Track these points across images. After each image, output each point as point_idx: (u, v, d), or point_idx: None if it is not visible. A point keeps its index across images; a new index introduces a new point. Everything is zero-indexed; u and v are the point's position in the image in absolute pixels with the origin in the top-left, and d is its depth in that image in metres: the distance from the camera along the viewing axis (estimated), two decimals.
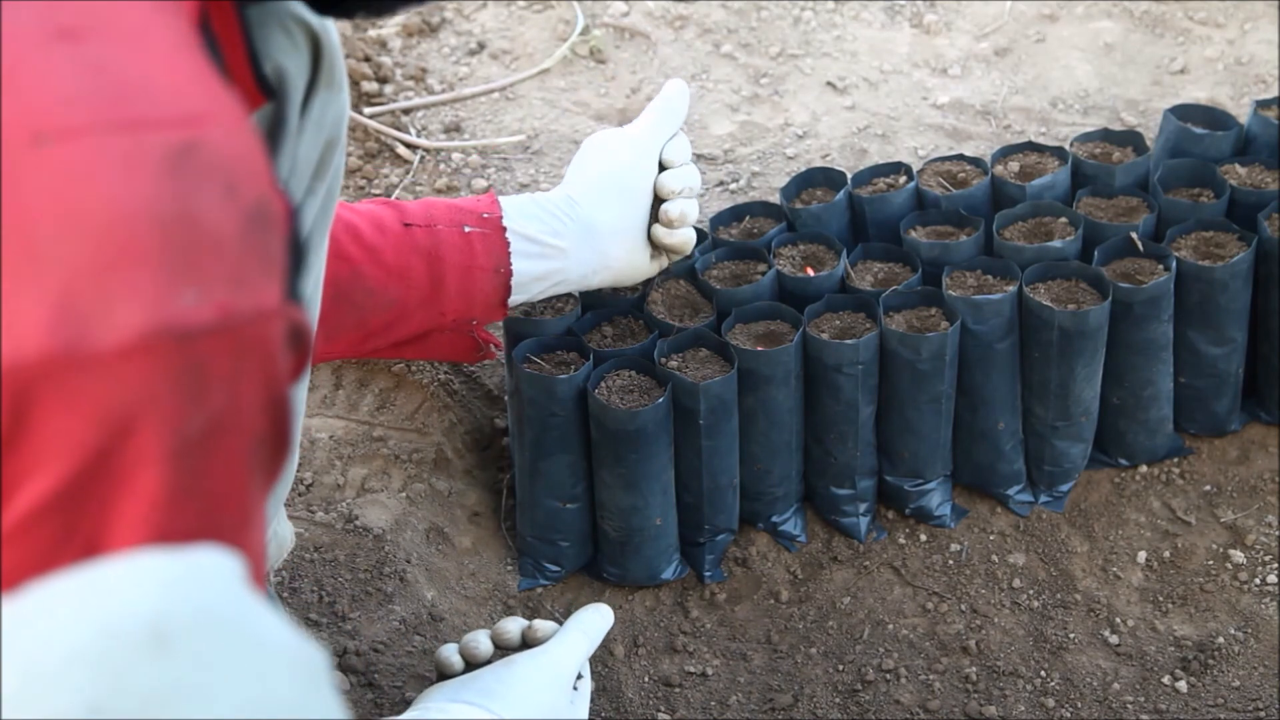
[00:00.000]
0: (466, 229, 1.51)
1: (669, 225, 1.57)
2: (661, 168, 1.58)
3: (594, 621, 1.42)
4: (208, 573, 0.72)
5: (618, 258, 1.57)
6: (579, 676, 1.38)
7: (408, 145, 2.00)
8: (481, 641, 1.37)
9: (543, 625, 1.39)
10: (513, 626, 1.39)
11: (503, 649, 1.39)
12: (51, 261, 0.72)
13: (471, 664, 1.37)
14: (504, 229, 1.52)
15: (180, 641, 0.69)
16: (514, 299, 1.54)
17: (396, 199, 1.81)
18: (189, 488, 0.74)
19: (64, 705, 0.67)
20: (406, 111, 2.06)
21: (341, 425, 1.72)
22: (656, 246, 1.60)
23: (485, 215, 1.53)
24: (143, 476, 0.73)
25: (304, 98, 1.09)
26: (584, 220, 1.55)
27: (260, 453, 0.78)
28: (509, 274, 1.52)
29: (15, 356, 0.71)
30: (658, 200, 1.58)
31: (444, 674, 1.37)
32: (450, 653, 1.37)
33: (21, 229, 0.72)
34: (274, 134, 1.07)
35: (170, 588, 0.70)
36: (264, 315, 0.75)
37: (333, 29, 1.10)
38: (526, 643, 1.39)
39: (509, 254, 1.52)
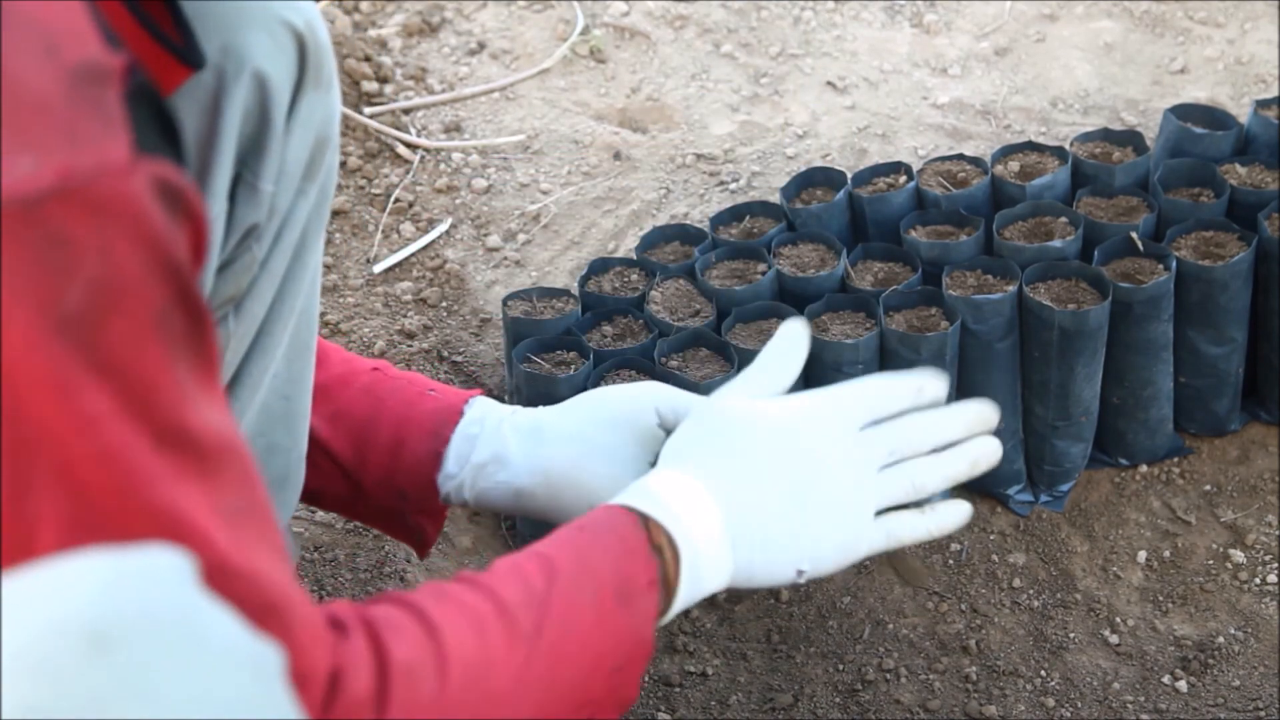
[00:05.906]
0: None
1: None
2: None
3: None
4: (152, 573, 0.70)
5: None
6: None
7: (408, 145, 2.00)
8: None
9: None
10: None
11: None
12: None
13: None
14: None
15: (120, 643, 0.68)
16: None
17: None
18: (92, 364, 0.71)
19: (3, 706, 0.66)
20: (406, 111, 2.06)
21: None
22: None
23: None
24: (34, 357, 0.69)
25: (291, 99, 1.08)
26: None
27: (167, 326, 0.74)
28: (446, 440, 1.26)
29: None
30: None
31: None
32: None
33: None
34: (259, 137, 1.06)
35: (111, 589, 0.69)
36: (111, 172, 0.72)
37: (320, 28, 1.08)
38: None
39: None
